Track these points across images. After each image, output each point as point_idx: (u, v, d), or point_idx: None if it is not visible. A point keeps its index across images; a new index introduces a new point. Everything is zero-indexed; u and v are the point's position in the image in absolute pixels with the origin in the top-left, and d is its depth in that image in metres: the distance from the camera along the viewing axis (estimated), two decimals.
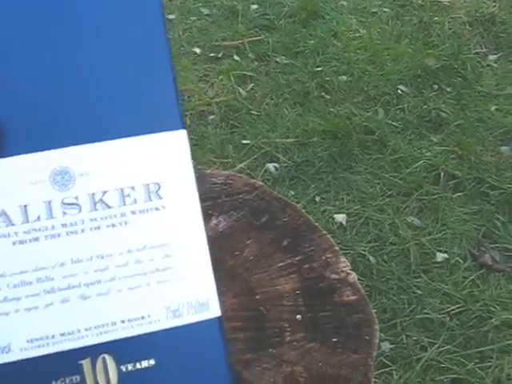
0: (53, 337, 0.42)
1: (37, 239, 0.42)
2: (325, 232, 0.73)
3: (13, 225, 0.42)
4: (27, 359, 0.41)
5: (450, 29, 1.99)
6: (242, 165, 1.49)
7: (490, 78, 1.81)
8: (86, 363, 0.42)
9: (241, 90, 1.73)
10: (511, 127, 1.64)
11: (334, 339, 0.64)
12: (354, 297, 0.67)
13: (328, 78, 1.77)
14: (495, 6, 2.08)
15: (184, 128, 0.46)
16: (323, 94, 1.72)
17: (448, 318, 1.21)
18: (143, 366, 0.43)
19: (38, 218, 0.43)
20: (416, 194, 1.45)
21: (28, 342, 0.41)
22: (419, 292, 1.25)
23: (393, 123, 1.63)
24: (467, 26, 2.02)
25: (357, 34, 1.95)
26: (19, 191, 0.43)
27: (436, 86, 1.77)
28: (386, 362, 1.13)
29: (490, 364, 1.14)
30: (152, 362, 0.43)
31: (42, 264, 0.42)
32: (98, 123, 0.44)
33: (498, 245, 1.36)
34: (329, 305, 0.67)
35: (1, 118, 0.43)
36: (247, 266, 0.70)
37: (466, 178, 1.50)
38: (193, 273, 0.45)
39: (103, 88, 0.45)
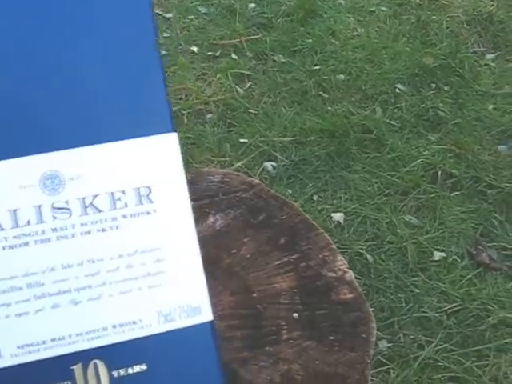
0: (44, 342, 0.41)
1: (27, 244, 0.42)
2: (322, 230, 0.73)
3: (2, 230, 0.42)
4: (18, 365, 0.41)
5: (448, 28, 1.99)
6: (239, 163, 1.49)
7: (488, 77, 1.81)
8: (77, 369, 0.42)
9: (238, 89, 1.73)
10: (508, 126, 1.64)
11: (331, 337, 0.64)
12: (351, 295, 0.67)
13: (326, 77, 1.77)
14: (493, 5, 2.08)
15: (175, 131, 0.46)
16: (321, 92, 1.72)
17: (445, 317, 1.21)
18: (135, 371, 0.43)
19: (28, 222, 0.42)
20: (413, 193, 1.45)
21: (19, 347, 0.41)
22: (417, 291, 1.25)
23: (390, 122, 1.63)
24: (465, 25, 2.02)
25: (355, 33, 1.95)
26: (8, 196, 0.42)
27: (434, 85, 1.77)
28: (384, 360, 1.13)
29: (487, 362, 1.14)
30: (144, 366, 0.43)
31: (32, 269, 0.42)
32: (88, 127, 0.44)
33: (495, 243, 1.36)
34: (326, 303, 0.67)
35: None
36: (244, 264, 0.70)
37: (463, 176, 1.50)
38: (184, 277, 0.44)
39: (93, 91, 0.45)
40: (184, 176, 0.45)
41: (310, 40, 1.90)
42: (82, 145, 0.44)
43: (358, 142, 1.56)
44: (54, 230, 0.43)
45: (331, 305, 0.66)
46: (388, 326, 1.19)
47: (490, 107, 1.70)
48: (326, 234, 0.73)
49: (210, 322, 0.45)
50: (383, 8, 2.06)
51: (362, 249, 1.32)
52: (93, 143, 0.44)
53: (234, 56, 1.85)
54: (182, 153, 1.42)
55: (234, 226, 0.73)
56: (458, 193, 1.46)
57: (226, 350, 0.62)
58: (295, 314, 0.65)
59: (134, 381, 0.43)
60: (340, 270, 0.69)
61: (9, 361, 0.41)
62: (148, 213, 0.44)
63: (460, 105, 1.71)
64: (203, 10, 2.03)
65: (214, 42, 1.90)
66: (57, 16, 0.45)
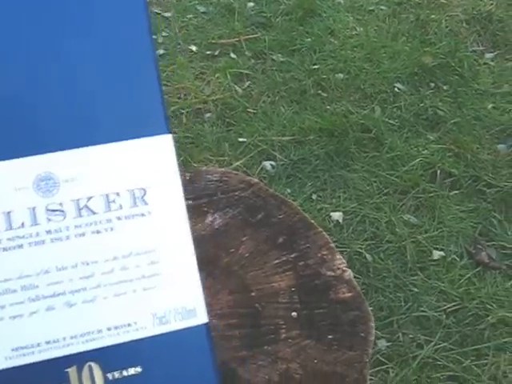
0: (38, 345, 0.41)
1: (21, 246, 0.42)
2: (320, 229, 0.73)
3: None
4: (12, 368, 0.41)
5: (447, 27, 1.99)
6: (238, 163, 1.49)
7: (487, 76, 1.81)
8: (72, 371, 0.42)
9: (237, 88, 1.72)
10: (508, 125, 1.64)
11: (330, 336, 0.64)
12: (350, 294, 0.67)
13: (324, 76, 1.76)
14: (492, 4, 2.08)
15: (170, 132, 0.45)
16: (320, 91, 1.72)
17: (444, 316, 1.21)
18: (130, 374, 0.42)
19: (22, 224, 0.42)
20: (412, 192, 1.45)
21: (13, 350, 0.41)
22: (415, 290, 1.25)
23: (389, 121, 1.63)
24: (464, 24, 2.01)
25: (353, 32, 1.95)
26: (2, 198, 0.42)
27: (433, 84, 1.77)
28: (383, 359, 1.13)
29: (486, 362, 1.14)
30: (139, 369, 0.43)
31: (27, 271, 0.42)
32: (82, 128, 0.44)
33: (494, 243, 1.36)
34: (324, 302, 0.66)
35: None
36: (243, 263, 0.69)
37: (462, 176, 1.50)
38: (179, 279, 0.44)
39: (88, 93, 0.44)
40: (179, 178, 0.45)
41: (309, 39, 1.90)
42: (77, 146, 0.43)
43: (357, 141, 1.56)
44: (49, 232, 0.42)
45: (330, 304, 0.66)
46: (387, 325, 1.19)
47: (490, 106, 1.70)
48: (324, 233, 0.72)
49: (205, 325, 0.44)
50: (382, 7, 2.06)
51: (361, 248, 1.32)
52: (87, 145, 0.44)
53: (232, 55, 1.85)
54: (181, 152, 1.42)
55: (232, 225, 0.73)
56: (457, 192, 1.46)
57: (225, 349, 0.62)
58: (294, 313, 0.65)
59: (129, 383, 0.42)
60: (339, 268, 0.69)
61: (3, 363, 0.41)
62: (143, 215, 0.44)
63: (459, 104, 1.70)
64: (202, 9, 2.03)
65: (213, 41, 1.90)
66: (49, 16, 0.44)
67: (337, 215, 1.39)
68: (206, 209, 0.75)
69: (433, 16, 2.03)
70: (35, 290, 0.42)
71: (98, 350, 0.42)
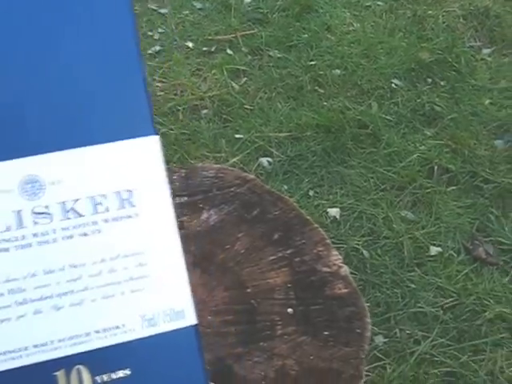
0: (26, 349, 0.41)
1: (7, 250, 0.42)
2: (316, 225, 0.73)
3: None
4: (0, 372, 0.40)
5: (444, 22, 1.99)
6: (235, 159, 1.48)
7: (484, 71, 1.81)
8: (60, 375, 0.41)
9: (234, 84, 1.72)
10: (505, 121, 1.64)
11: (326, 332, 0.63)
12: (346, 290, 0.67)
13: (321, 72, 1.76)
14: None
15: (156, 134, 0.45)
16: (317, 88, 1.72)
17: (441, 312, 1.21)
18: (119, 377, 0.42)
19: (8, 228, 0.42)
20: (410, 188, 1.45)
21: (0, 354, 0.41)
22: (413, 286, 1.25)
23: (386, 117, 1.63)
24: (461, 20, 2.01)
25: (350, 28, 1.95)
26: None
27: (430, 80, 1.77)
28: (380, 355, 1.13)
29: (483, 357, 1.14)
30: (127, 371, 0.42)
31: (13, 275, 0.41)
32: (68, 130, 0.43)
33: (491, 238, 1.36)
34: (320, 298, 0.66)
35: None
36: (238, 259, 0.69)
37: (459, 171, 1.49)
38: (167, 281, 0.44)
39: (73, 95, 0.44)
40: (166, 179, 0.45)
41: (306, 35, 1.90)
42: (62, 149, 0.43)
43: (353, 137, 1.56)
44: (35, 235, 0.42)
45: (326, 300, 0.66)
46: (384, 321, 1.19)
47: (487, 102, 1.70)
48: (320, 229, 0.72)
49: (194, 326, 0.44)
50: (379, 3, 2.06)
51: (358, 244, 1.31)
52: (73, 147, 0.43)
53: (229, 51, 1.84)
54: (178, 149, 1.41)
55: (227, 222, 0.73)
56: (454, 188, 1.46)
57: (220, 346, 0.62)
58: (290, 310, 0.65)
59: None
60: (334, 264, 0.69)
61: None
62: (130, 216, 0.44)
63: (456, 99, 1.70)
64: (198, 5, 2.03)
65: (210, 37, 1.89)
66: (33, 19, 0.44)
67: (334, 211, 1.38)
68: (201, 205, 0.75)
69: (430, 11, 2.03)
70: (22, 294, 0.41)
71: (86, 352, 0.42)
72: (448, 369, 1.12)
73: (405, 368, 1.11)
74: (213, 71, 1.76)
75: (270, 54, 1.83)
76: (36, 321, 0.41)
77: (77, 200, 0.43)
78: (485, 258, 1.31)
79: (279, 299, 0.66)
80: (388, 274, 1.27)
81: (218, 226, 0.73)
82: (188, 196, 0.76)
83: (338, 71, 1.77)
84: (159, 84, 1.72)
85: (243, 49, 1.85)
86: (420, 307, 1.21)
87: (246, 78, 1.75)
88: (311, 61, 1.80)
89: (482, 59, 1.86)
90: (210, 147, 1.52)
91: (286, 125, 1.59)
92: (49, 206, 0.42)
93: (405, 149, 1.54)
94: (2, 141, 0.42)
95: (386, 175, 1.47)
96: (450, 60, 1.82)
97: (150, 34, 1.91)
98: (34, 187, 0.42)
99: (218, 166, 0.83)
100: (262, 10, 1.99)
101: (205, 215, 0.74)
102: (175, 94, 1.69)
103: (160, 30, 1.92)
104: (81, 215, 0.43)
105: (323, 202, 1.41)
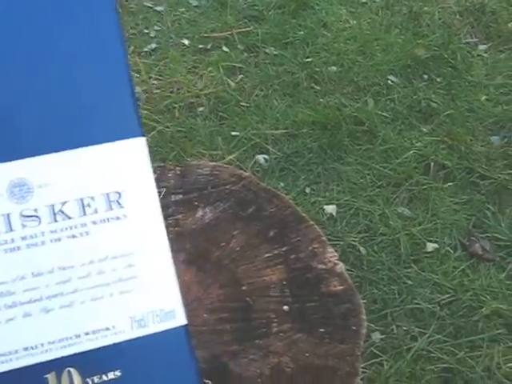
0: (16, 352, 0.41)
1: None
2: (312, 222, 0.73)
3: None
4: None
5: (440, 19, 1.98)
6: (231, 157, 1.48)
7: (480, 67, 1.81)
8: (51, 377, 0.41)
9: (230, 82, 1.72)
10: (501, 117, 1.64)
11: (321, 330, 0.63)
12: (342, 287, 0.67)
13: (318, 69, 1.76)
14: None
15: (143, 135, 0.45)
16: (313, 84, 1.72)
17: (438, 308, 1.21)
18: (109, 378, 0.42)
19: None
20: (406, 185, 1.45)
21: None
22: (409, 282, 1.25)
23: (383, 114, 1.63)
24: (457, 16, 2.01)
25: (346, 25, 1.95)
26: None
27: (426, 76, 1.77)
28: (377, 352, 1.13)
29: (480, 353, 1.14)
30: (118, 373, 0.42)
31: (3, 278, 0.42)
32: (54, 133, 0.44)
33: (488, 234, 1.36)
34: (316, 295, 0.66)
35: None
36: (233, 257, 0.69)
37: (456, 167, 1.49)
38: (157, 282, 0.44)
39: (59, 98, 0.44)
40: (153, 180, 0.45)
41: (302, 32, 1.89)
42: (50, 152, 0.43)
43: (350, 133, 1.56)
44: (24, 238, 0.42)
45: (321, 297, 0.66)
46: (381, 318, 1.19)
47: (483, 98, 1.70)
48: (316, 226, 0.72)
49: (184, 326, 0.44)
50: None
51: (355, 241, 1.31)
52: (61, 150, 0.43)
53: (225, 49, 1.84)
54: (174, 146, 1.41)
55: (223, 219, 0.73)
56: (450, 184, 1.46)
57: (216, 344, 0.62)
58: (285, 307, 0.65)
59: None
60: (330, 261, 0.69)
61: None
62: (118, 218, 0.44)
63: (452, 96, 1.70)
64: (194, 2, 2.02)
65: (205, 34, 1.89)
66: (19, 22, 0.44)
67: (330, 208, 1.38)
68: (196, 203, 0.75)
69: (426, 8, 2.02)
70: (11, 297, 0.41)
71: (76, 355, 0.42)
72: (445, 365, 1.12)
73: (402, 364, 1.11)
74: (209, 69, 1.76)
75: (266, 51, 1.83)
76: (26, 324, 0.41)
77: (65, 202, 0.43)
78: (481, 254, 1.32)
79: (275, 296, 0.66)
80: (385, 271, 1.27)
81: (213, 224, 0.73)
82: (183, 194, 0.76)
83: (334, 68, 1.77)
84: (155, 82, 1.71)
85: (239, 46, 1.85)
86: (417, 303, 1.21)
87: (242, 76, 1.75)
88: (307, 58, 1.80)
89: (478, 55, 1.86)
90: (207, 145, 1.52)
91: (282, 122, 1.59)
92: (37, 209, 0.43)
93: (401, 145, 1.54)
94: None
95: (383, 172, 1.47)
96: (446, 56, 1.82)
97: (146, 31, 1.90)
98: (22, 190, 0.42)
99: (214, 163, 0.83)
100: (257, 7, 1.99)
101: (200, 213, 0.74)
102: (171, 92, 1.68)
103: (156, 28, 1.92)
104: (69, 217, 0.43)
105: (320, 198, 1.41)
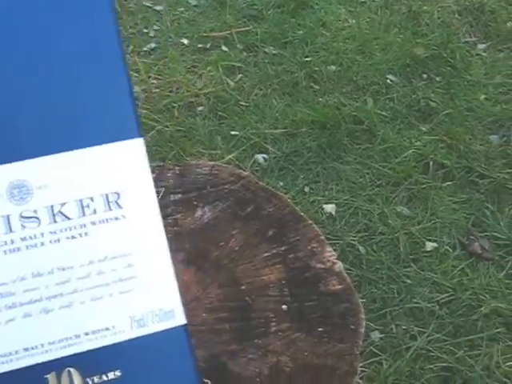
0: (16, 352, 0.41)
1: None
2: (310, 222, 0.73)
3: None
4: None
5: (439, 18, 1.98)
6: (230, 156, 1.48)
7: (479, 67, 1.81)
8: (51, 377, 0.42)
9: (229, 81, 1.72)
10: (500, 116, 1.64)
11: (320, 329, 0.64)
12: (340, 286, 0.67)
13: (317, 68, 1.76)
14: None
15: (141, 136, 0.46)
16: (312, 84, 1.72)
17: (437, 307, 1.21)
18: (109, 378, 0.42)
19: None
20: (405, 184, 1.45)
21: None
22: (409, 281, 1.25)
23: (382, 113, 1.63)
24: (456, 15, 2.01)
25: (345, 24, 1.95)
26: None
27: (425, 76, 1.77)
28: (376, 351, 1.13)
29: (479, 352, 1.14)
30: (118, 373, 0.43)
31: (2, 279, 0.42)
32: (53, 135, 0.44)
33: (487, 233, 1.36)
34: (314, 294, 0.66)
35: None
36: (232, 256, 0.69)
37: (455, 167, 1.50)
38: (156, 281, 0.44)
39: (58, 99, 0.44)
40: (152, 180, 0.45)
41: (301, 31, 1.89)
42: (49, 153, 0.43)
43: (349, 133, 1.56)
44: (24, 239, 0.42)
45: (320, 296, 0.66)
46: (380, 317, 1.19)
47: (482, 97, 1.70)
48: (314, 226, 0.72)
49: (184, 326, 0.44)
50: None
51: (354, 240, 1.32)
52: (60, 151, 0.44)
53: (224, 48, 1.84)
54: (173, 146, 1.41)
55: (222, 219, 0.73)
56: (449, 183, 1.46)
57: (215, 343, 0.62)
58: (284, 306, 0.65)
59: None
60: (329, 261, 0.69)
61: None
62: (117, 218, 0.44)
63: (451, 95, 1.70)
64: (193, 2, 2.02)
65: (205, 34, 1.89)
66: (16, 23, 0.44)
67: (329, 207, 1.38)
68: (195, 202, 0.75)
69: (425, 7, 2.02)
70: (11, 298, 0.42)
71: (76, 355, 0.42)
72: (444, 364, 1.12)
73: (401, 363, 1.11)
74: (208, 68, 1.76)
75: (265, 50, 1.83)
76: (26, 324, 0.42)
77: (64, 203, 0.43)
78: (480, 253, 1.32)
79: (273, 296, 0.66)
80: (384, 270, 1.27)
81: (212, 223, 0.73)
82: (182, 193, 0.76)
83: (333, 67, 1.77)
84: (154, 81, 1.71)
85: (238, 45, 1.85)
86: (416, 303, 1.22)
87: (241, 75, 1.75)
88: (306, 57, 1.80)
89: (477, 54, 1.86)
90: (206, 144, 1.52)
91: (281, 121, 1.59)
92: (37, 210, 0.43)
93: (400, 144, 1.54)
94: None
95: (382, 171, 1.47)
96: (445, 55, 1.82)
97: (145, 31, 1.90)
98: (22, 192, 0.43)
99: (213, 162, 0.83)
100: (256, 7, 1.99)
101: (199, 212, 0.74)
102: (170, 91, 1.68)
103: (155, 27, 1.92)
104: (68, 218, 0.43)
105: (319, 198, 1.41)
